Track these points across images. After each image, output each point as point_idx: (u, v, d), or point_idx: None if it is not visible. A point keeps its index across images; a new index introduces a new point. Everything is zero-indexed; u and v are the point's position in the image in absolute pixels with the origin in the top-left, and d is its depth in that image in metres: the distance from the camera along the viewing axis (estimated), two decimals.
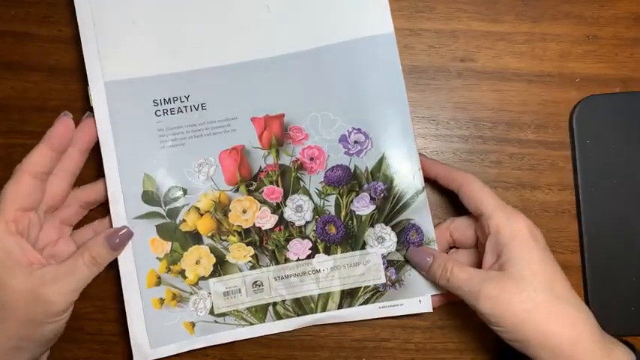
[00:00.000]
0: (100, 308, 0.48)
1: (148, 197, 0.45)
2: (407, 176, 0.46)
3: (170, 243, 0.46)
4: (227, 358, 0.48)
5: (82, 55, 0.45)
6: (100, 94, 0.45)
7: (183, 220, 0.46)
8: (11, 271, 0.40)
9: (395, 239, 0.46)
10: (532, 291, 0.40)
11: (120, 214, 0.45)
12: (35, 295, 0.40)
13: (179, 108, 0.46)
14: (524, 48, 0.49)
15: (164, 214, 0.46)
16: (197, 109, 0.46)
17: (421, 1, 0.49)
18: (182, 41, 0.46)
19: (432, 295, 0.46)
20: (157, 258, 0.45)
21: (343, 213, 0.46)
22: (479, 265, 0.43)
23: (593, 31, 0.49)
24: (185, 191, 0.46)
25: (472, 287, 0.41)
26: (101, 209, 0.46)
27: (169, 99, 0.46)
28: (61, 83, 0.48)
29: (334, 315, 0.46)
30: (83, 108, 0.48)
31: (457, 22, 0.49)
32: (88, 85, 0.45)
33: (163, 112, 0.46)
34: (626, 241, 0.48)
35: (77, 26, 0.46)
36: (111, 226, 0.45)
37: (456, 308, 0.47)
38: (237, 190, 0.46)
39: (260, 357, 0.48)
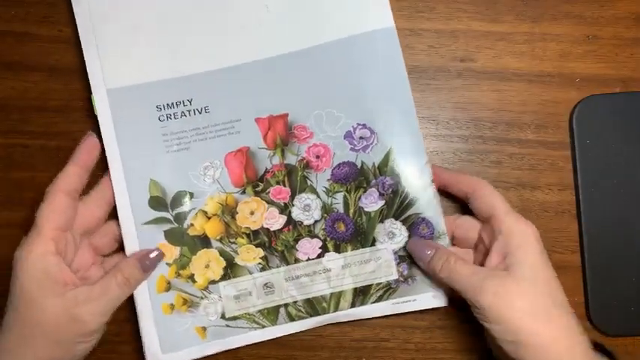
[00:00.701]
0: None
1: (155, 203, 0.45)
2: (415, 170, 0.46)
3: (179, 248, 0.45)
4: (227, 357, 0.48)
5: (83, 57, 0.45)
6: (103, 101, 0.45)
7: (191, 224, 0.45)
8: (47, 291, 0.40)
9: (406, 234, 0.46)
10: (534, 295, 0.40)
11: (128, 221, 0.45)
12: (68, 315, 0.40)
13: (182, 112, 0.46)
14: (524, 48, 0.49)
15: (172, 218, 0.45)
16: (200, 113, 0.46)
17: (421, 1, 0.49)
18: (182, 44, 0.46)
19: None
20: (166, 263, 0.45)
21: (352, 210, 0.46)
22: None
23: (593, 31, 0.49)
24: (192, 195, 0.45)
25: (475, 283, 0.41)
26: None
27: (172, 103, 0.46)
28: (61, 83, 0.48)
29: (347, 314, 0.46)
30: (83, 108, 0.48)
31: (457, 22, 0.49)
32: (92, 93, 0.45)
33: (167, 117, 0.46)
34: (626, 241, 0.48)
35: (77, 29, 0.46)
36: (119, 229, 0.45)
37: (456, 308, 0.47)
38: (244, 192, 0.46)
39: (260, 357, 0.48)
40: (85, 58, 0.46)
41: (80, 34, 0.46)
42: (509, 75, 0.49)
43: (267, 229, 0.46)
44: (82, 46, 0.46)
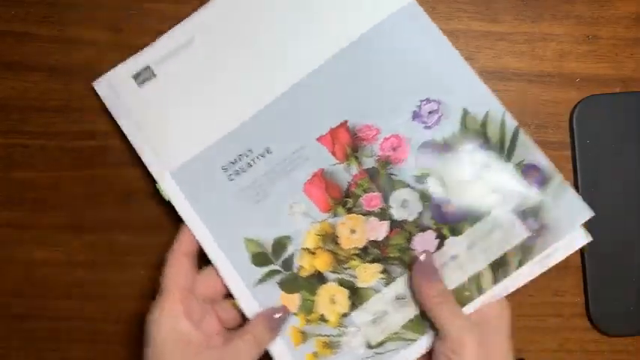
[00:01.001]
0: (101, 308, 0.48)
1: (259, 259, 0.44)
2: (496, 120, 0.44)
3: (298, 294, 0.44)
4: None
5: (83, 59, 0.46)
6: (170, 185, 0.45)
7: (301, 267, 0.44)
8: (180, 352, 0.40)
9: (519, 186, 0.43)
10: None
11: (239, 286, 0.44)
12: None
13: (248, 163, 0.45)
14: (524, 48, 0.49)
15: (280, 268, 0.44)
16: (264, 156, 0.45)
17: (421, 1, 0.49)
18: (225, 99, 0.45)
19: None
20: (293, 314, 0.44)
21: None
22: None
23: (593, 31, 0.49)
24: (289, 238, 0.44)
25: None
26: None
27: (235, 159, 0.45)
28: (61, 83, 0.48)
29: (494, 293, 0.43)
30: (83, 108, 0.48)
31: (457, 22, 0.49)
32: (155, 182, 0.45)
33: (235, 174, 0.45)
34: (626, 241, 0.48)
35: (77, 28, 0.46)
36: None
37: None
38: (335, 215, 0.44)
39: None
40: (136, 149, 0.45)
41: (125, 132, 0.46)
42: (509, 75, 0.49)
43: (375, 241, 0.44)
44: (129, 139, 0.46)
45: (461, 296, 0.43)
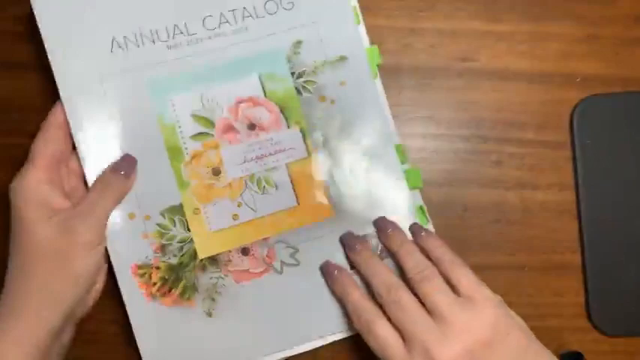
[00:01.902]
0: (100, 308, 0.48)
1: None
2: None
3: None
4: None
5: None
6: None
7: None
8: (41, 215, 0.41)
9: None
10: None
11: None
12: (62, 229, 0.41)
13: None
14: (524, 48, 0.49)
15: None
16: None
17: (422, 1, 0.49)
18: None
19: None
20: None
21: None
22: None
23: (594, 31, 0.49)
24: None
25: None
26: None
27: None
28: None
29: None
30: None
31: (457, 22, 0.49)
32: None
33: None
34: (626, 241, 0.48)
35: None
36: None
37: None
38: None
39: None
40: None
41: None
42: (510, 75, 0.49)
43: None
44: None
45: None
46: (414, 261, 0.42)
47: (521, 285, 0.48)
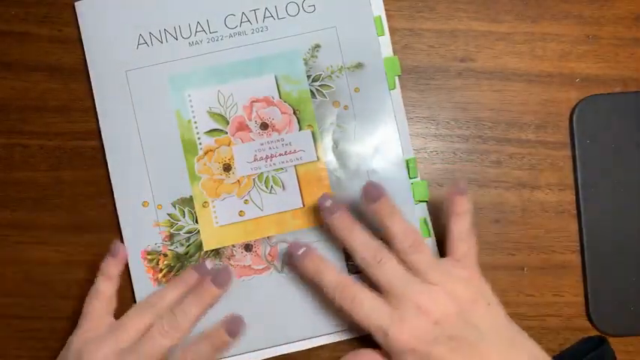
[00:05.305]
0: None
1: None
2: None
3: None
4: None
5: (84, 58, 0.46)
6: None
7: None
8: None
9: None
10: None
11: None
12: None
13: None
14: (524, 48, 0.49)
15: None
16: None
17: (421, 1, 0.49)
18: None
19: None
20: None
21: None
22: None
23: (593, 31, 0.49)
24: None
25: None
26: None
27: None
28: (61, 83, 0.48)
29: None
30: (83, 108, 0.48)
31: (457, 22, 0.49)
32: None
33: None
34: (626, 241, 0.48)
35: (77, 27, 0.46)
36: None
37: None
38: None
39: None
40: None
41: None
42: (509, 75, 0.49)
43: None
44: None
45: None
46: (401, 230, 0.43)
47: (521, 285, 0.48)
